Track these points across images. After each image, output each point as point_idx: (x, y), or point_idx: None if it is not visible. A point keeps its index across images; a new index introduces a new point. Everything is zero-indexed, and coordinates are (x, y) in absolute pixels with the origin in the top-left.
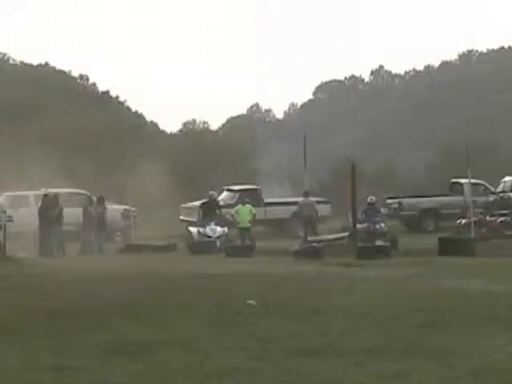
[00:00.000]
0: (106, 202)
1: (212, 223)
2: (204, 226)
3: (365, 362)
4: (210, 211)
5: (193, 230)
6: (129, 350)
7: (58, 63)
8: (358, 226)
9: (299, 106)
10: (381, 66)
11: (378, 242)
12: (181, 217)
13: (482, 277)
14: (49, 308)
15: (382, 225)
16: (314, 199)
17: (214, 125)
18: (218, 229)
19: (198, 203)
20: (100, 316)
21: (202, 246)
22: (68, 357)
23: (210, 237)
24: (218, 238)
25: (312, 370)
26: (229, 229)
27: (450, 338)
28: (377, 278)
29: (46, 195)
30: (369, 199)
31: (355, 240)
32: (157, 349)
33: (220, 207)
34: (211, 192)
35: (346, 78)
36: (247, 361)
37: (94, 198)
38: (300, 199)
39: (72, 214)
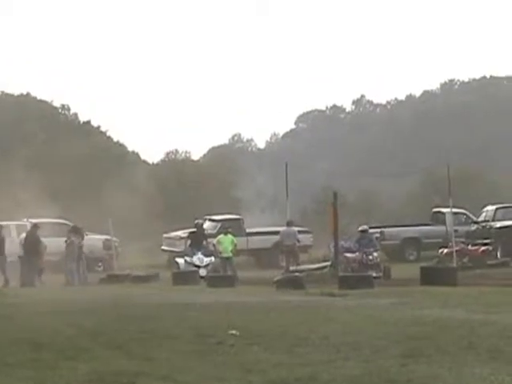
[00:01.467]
0: (83, 232)
1: (199, 252)
2: (191, 256)
3: None
4: (197, 240)
5: (179, 260)
6: (111, 381)
7: (40, 93)
8: (350, 255)
9: (281, 135)
10: (362, 96)
11: (371, 273)
12: (163, 246)
13: (464, 306)
14: (32, 338)
15: (375, 255)
16: (296, 228)
17: (196, 155)
18: (205, 258)
19: (180, 233)
20: (82, 346)
21: (185, 277)
22: None
23: (197, 266)
24: (206, 267)
25: None
26: (215, 258)
27: (431, 367)
28: (359, 307)
29: (34, 225)
30: (361, 227)
31: (337, 269)
32: (138, 379)
33: (206, 236)
34: (197, 220)
35: (327, 108)
36: None
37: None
38: (282, 228)
39: (55, 245)
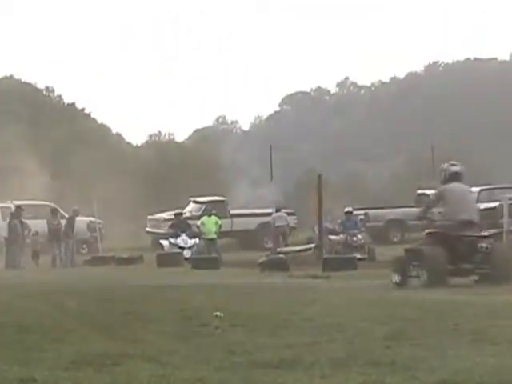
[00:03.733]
0: (57, 213)
1: (183, 234)
2: (175, 237)
3: (331, 374)
4: (181, 222)
5: (164, 242)
6: (95, 363)
7: (23, 75)
8: (334, 237)
9: (265, 117)
10: (346, 78)
11: (356, 255)
12: (147, 228)
13: (448, 288)
14: (16, 320)
15: (360, 237)
16: (284, 211)
17: (180, 136)
18: (189, 240)
19: (165, 215)
20: (67, 329)
21: (170, 258)
22: (36, 369)
23: (181, 247)
24: (190, 248)
25: (278, 382)
26: (199, 239)
27: (415, 349)
28: (342, 289)
29: (18, 206)
30: (346, 209)
31: (321, 251)
32: (123, 361)
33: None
34: (177, 210)
35: (311, 90)
36: (213, 372)
37: (61, 210)
38: (267, 210)
39: (39, 226)
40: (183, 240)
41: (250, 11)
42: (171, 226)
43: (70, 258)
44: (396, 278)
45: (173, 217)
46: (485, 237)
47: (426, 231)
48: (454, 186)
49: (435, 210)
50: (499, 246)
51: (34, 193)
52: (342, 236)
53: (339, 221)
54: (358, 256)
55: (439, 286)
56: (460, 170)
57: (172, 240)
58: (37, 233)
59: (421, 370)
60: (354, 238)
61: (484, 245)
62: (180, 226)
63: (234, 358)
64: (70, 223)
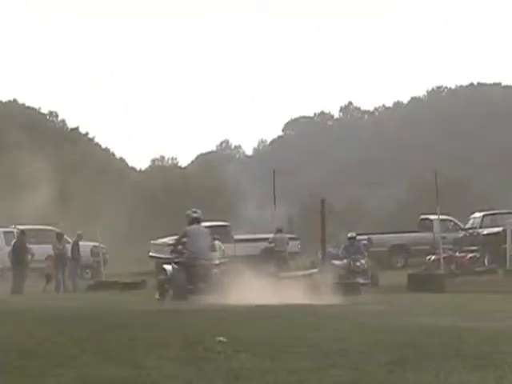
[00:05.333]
0: (63, 239)
1: None
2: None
3: None
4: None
5: (167, 266)
6: None
7: (27, 100)
8: (337, 262)
9: (268, 142)
10: (350, 103)
11: (359, 280)
12: (150, 253)
13: (452, 313)
14: (19, 346)
15: (363, 261)
16: (287, 235)
17: (184, 161)
18: None
19: (167, 239)
20: (69, 354)
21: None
22: None
23: None
24: None
25: None
26: None
27: (419, 374)
28: (346, 314)
29: (22, 231)
30: (349, 234)
31: (325, 276)
32: None
33: None
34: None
35: (315, 115)
36: None
37: (65, 235)
38: (270, 235)
39: (42, 251)
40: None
41: (254, 36)
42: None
43: (73, 283)
44: (157, 295)
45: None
46: (216, 265)
47: (175, 260)
48: (194, 227)
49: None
50: (225, 271)
51: (36, 217)
52: (345, 261)
53: (342, 246)
54: (361, 281)
55: (181, 300)
56: (198, 215)
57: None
58: (49, 256)
59: None
60: (358, 263)
61: (215, 270)
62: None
63: (238, 383)
64: (75, 247)
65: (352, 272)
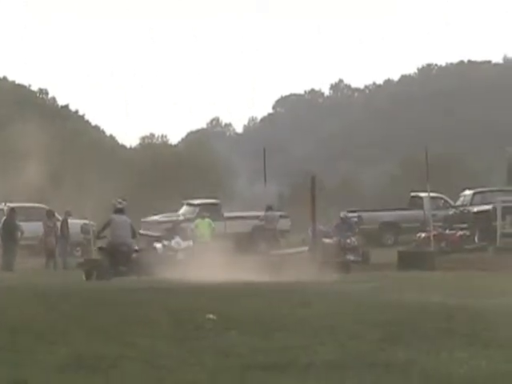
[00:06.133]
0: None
1: (177, 236)
2: (169, 240)
3: (325, 375)
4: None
5: (157, 244)
6: (89, 365)
7: (17, 77)
8: (327, 240)
9: (259, 119)
10: (340, 80)
11: (350, 257)
12: (141, 231)
13: (442, 291)
14: (9, 322)
15: (353, 239)
16: (277, 213)
17: (174, 139)
18: (183, 242)
19: (158, 217)
20: (61, 331)
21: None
22: (29, 371)
23: (175, 249)
24: (183, 250)
25: None
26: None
27: (409, 352)
28: (336, 291)
29: (12, 209)
30: (341, 214)
31: (315, 254)
32: (117, 364)
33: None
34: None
35: (305, 92)
36: (207, 375)
37: (55, 213)
38: (261, 213)
39: (32, 229)
40: (177, 242)
41: (245, 13)
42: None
43: (63, 261)
44: (84, 276)
45: (167, 219)
46: (136, 250)
47: (98, 246)
48: (117, 216)
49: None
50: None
51: (26, 195)
52: (335, 239)
53: (334, 223)
54: (352, 258)
55: (104, 280)
56: (122, 206)
57: (166, 243)
58: (51, 232)
59: (415, 372)
60: (348, 241)
61: (134, 255)
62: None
63: (228, 360)
64: (64, 225)
65: (343, 249)
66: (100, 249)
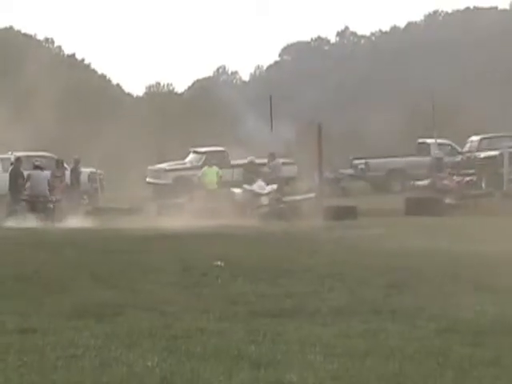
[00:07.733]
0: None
1: (259, 179)
2: (251, 183)
3: (332, 322)
4: (252, 173)
5: (235, 189)
6: (96, 312)
7: (23, 27)
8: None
9: (265, 67)
10: (346, 27)
11: (447, 200)
12: (147, 179)
13: (449, 237)
14: (17, 271)
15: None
16: (281, 160)
17: (180, 87)
18: (267, 186)
19: (165, 165)
20: (67, 280)
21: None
22: (36, 319)
23: (258, 194)
24: (267, 194)
25: (279, 331)
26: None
27: (416, 298)
28: (343, 239)
29: (18, 158)
30: (435, 153)
31: (322, 201)
32: (124, 311)
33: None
34: (250, 157)
35: (311, 40)
36: (214, 322)
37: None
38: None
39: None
40: (259, 186)
41: None
42: (245, 173)
43: (74, 208)
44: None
45: (173, 167)
46: (51, 201)
47: (23, 198)
48: (35, 172)
49: None
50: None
51: (35, 143)
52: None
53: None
54: (448, 201)
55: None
56: (39, 164)
57: (247, 186)
58: (62, 180)
59: (422, 318)
60: (446, 182)
61: (50, 205)
62: (252, 172)
63: (235, 307)
64: (74, 173)
65: (439, 192)
66: (22, 200)
